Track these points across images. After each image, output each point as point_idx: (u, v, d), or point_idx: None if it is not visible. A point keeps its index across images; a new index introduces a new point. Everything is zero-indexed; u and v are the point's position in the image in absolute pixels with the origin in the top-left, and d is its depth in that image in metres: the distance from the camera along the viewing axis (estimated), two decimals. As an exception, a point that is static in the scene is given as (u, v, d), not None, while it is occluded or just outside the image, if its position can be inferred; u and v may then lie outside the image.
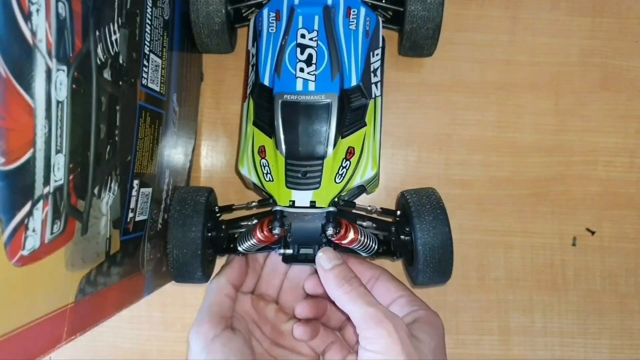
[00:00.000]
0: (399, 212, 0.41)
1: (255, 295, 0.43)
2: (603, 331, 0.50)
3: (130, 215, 0.35)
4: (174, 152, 0.43)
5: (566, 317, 0.50)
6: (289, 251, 0.39)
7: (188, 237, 0.39)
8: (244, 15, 0.48)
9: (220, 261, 0.44)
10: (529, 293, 0.50)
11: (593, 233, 0.50)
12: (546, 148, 0.50)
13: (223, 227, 0.42)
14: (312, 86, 0.39)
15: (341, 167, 0.38)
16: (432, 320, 0.36)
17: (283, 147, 0.39)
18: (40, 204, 0.24)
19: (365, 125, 0.40)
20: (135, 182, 0.36)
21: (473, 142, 0.50)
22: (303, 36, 0.40)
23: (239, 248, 0.41)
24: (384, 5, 0.45)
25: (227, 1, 0.44)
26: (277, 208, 0.38)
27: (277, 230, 0.37)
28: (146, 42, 0.36)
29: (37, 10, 0.23)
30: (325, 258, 0.36)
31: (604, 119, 0.50)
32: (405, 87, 0.50)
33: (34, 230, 0.24)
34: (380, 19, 0.43)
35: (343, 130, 0.39)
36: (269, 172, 0.39)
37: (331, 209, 0.38)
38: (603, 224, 0.50)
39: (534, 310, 0.50)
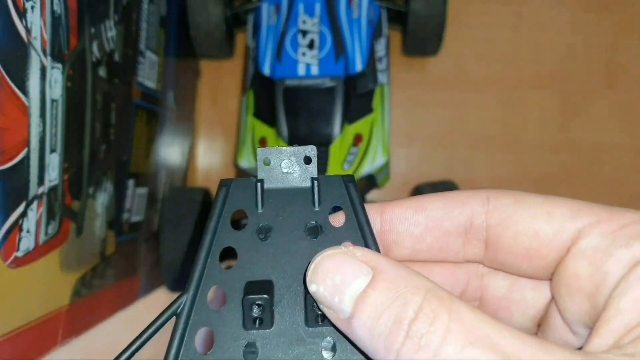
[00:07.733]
0: None
1: None
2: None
3: (126, 215, 0.35)
4: (170, 151, 0.43)
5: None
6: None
7: (183, 239, 0.37)
8: (243, 20, 0.47)
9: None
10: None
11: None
12: (551, 146, 0.50)
13: None
14: (315, 70, 0.38)
15: (349, 154, 0.37)
16: None
17: (286, 134, 0.37)
18: (34, 205, 0.24)
19: (371, 111, 0.38)
20: (131, 181, 0.35)
21: (476, 140, 0.50)
22: (305, 22, 0.39)
23: None
24: (387, 6, 0.45)
25: (225, 9, 0.44)
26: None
27: None
28: (142, 39, 0.35)
29: (32, 7, 0.22)
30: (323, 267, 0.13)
31: (609, 117, 0.50)
32: (408, 84, 0.50)
33: (28, 231, 0.23)
34: (384, 11, 0.42)
35: (349, 117, 0.38)
36: None
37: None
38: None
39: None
